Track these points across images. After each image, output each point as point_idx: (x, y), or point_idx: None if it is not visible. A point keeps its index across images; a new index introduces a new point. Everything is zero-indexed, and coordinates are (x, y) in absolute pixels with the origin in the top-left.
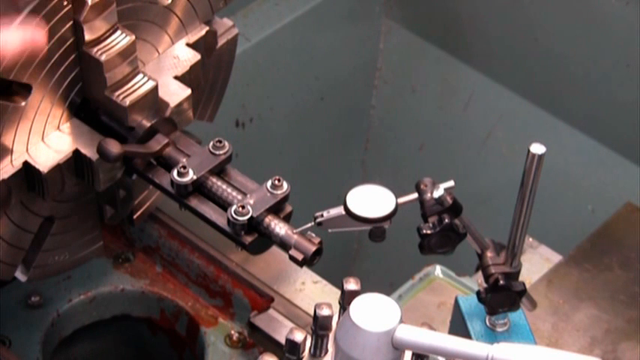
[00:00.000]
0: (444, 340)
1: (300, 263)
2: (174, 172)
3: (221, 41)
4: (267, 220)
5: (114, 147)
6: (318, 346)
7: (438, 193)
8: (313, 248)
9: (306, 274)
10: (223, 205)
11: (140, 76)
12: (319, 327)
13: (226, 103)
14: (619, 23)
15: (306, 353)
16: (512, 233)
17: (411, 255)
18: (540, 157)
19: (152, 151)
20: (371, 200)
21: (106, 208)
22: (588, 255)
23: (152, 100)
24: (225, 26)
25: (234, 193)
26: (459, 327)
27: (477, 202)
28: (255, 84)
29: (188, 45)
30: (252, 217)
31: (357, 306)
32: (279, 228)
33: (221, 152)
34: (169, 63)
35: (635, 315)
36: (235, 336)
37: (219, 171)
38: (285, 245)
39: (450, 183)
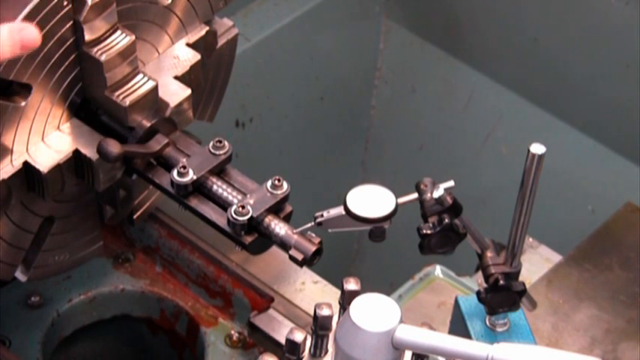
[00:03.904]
0: (444, 340)
1: (300, 263)
2: (174, 172)
3: (221, 41)
4: (267, 220)
5: (114, 147)
6: (318, 346)
7: (438, 193)
8: (313, 248)
9: (306, 274)
10: (223, 205)
11: (140, 76)
12: (319, 327)
13: (226, 103)
14: (619, 23)
15: (306, 353)
16: (512, 233)
17: (411, 255)
18: (540, 157)
19: (152, 151)
20: (371, 200)
21: (106, 208)
22: (588, 255)
23: (152, 100)
24: (225, 26)
25: (235, 193)
26: (459, 327)
27: (477, 202)
28: (255, 84)
29: (188, 45)
30: (252, 217)
31: (357, 306)
32: (279, 228)
33: (221, 152)
34: (169, 63)
35: (635, 315)
36: (235, 336)
37: (219, 171)
38: (285, 245)
39: (450, 183)
